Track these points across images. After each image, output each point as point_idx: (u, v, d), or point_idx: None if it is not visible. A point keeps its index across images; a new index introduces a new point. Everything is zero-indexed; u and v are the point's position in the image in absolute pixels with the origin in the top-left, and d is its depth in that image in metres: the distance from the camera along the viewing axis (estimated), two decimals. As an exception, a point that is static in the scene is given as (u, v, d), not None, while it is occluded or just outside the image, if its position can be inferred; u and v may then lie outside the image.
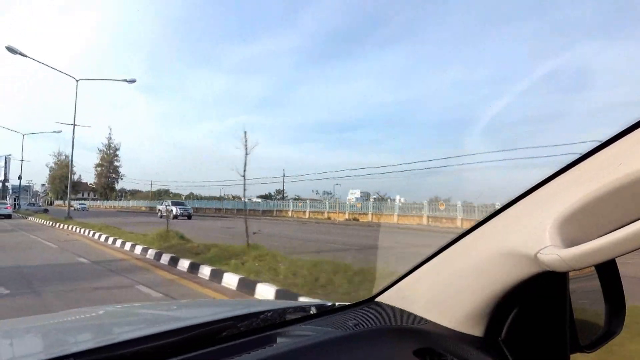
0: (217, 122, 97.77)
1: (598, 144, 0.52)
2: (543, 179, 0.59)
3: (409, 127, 74.32)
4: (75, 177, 70.16)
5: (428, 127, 71.08)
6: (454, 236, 0.75)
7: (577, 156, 0.54)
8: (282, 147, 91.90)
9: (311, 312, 0.92)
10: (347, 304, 0.96)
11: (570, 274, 0.71)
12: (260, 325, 0.80)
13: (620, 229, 0.45)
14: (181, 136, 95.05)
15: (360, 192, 47.36)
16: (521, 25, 78.77)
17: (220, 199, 50.42)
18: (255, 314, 0.83)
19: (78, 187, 71.33)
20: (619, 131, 0.49)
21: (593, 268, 0.77)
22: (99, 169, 66.32)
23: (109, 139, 65.24)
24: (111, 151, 65.40)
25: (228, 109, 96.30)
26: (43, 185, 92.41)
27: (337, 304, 0.97)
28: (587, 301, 0.81)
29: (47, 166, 72.59)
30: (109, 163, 65.26)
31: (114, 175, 66.84)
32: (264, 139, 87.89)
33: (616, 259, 0.73)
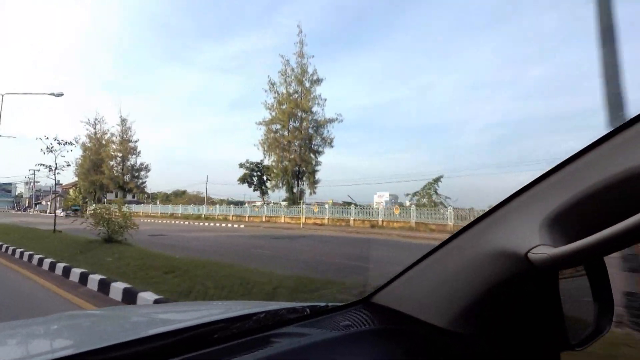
0: (193, 123, 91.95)
1: (586, 145, 0.53)
2: (532, 180, 0.60)
3: (383, 130, 73.04)
4: (139, 161, 44.43)
5: (402, 131, 69.96)
6: (446, 237, 0.76)
7: (565, 157, 0.55)
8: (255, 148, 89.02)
9: (304, 313, 0.92)
10: (340, 304, 0.96)
11: (560, 272, 0.72)
12: (253, 327, 0.80)
13: (608, 228, 0.46)
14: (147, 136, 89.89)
15: (390, 195, 40.05)
16: (495, 31, 79.03)
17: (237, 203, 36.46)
18: (248, 316, 0.83)
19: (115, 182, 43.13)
20: (606, 133, 0.51)
21: (582, 267, 0.78)
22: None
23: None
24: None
25: (200, 109, 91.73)
26: (29, 184, 64.94)
27: (330, 304, 0.97)
28: (577, 300, 0.82)
29: (77, 142, 36.46)
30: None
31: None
32: (236, 140, 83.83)
33: (604, 258, 0.75)
